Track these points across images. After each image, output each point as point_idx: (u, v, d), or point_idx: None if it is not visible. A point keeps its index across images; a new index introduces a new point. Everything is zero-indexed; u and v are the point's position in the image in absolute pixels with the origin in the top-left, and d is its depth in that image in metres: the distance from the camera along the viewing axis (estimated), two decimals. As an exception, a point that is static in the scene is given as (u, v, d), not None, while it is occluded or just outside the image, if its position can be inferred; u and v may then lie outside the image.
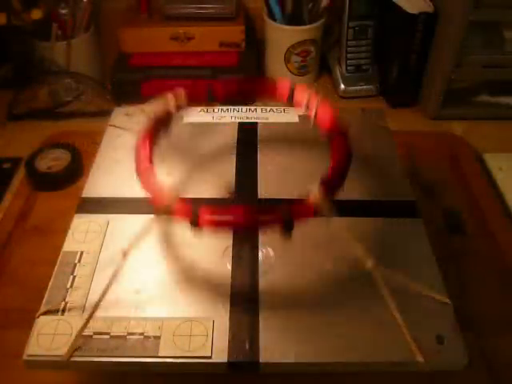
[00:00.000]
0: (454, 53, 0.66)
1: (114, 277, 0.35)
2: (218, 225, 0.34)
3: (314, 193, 0.34)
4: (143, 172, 0.37)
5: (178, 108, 0.42)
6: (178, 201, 0.34)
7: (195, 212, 0.33)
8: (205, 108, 0.54)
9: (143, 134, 0.40)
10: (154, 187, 0.35)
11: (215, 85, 0.44)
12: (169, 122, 0.42)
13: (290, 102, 0.43)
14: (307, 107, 0.42)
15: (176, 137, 0.44)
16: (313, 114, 0.41)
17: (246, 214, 0.34)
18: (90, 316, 0.34)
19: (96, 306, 0.34)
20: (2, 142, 0.67)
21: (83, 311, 0.36)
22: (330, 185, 0.35)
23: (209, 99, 0.44)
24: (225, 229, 0.37)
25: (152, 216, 0.35)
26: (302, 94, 0.42)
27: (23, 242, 0.53)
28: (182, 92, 0.42)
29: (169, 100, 0.42)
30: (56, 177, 0.58)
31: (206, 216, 0.33)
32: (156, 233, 0.42)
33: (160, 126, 0.41)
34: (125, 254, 0.35)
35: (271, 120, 0.52)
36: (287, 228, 0.33)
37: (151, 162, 0.38)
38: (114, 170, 0.47)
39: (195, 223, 0.33)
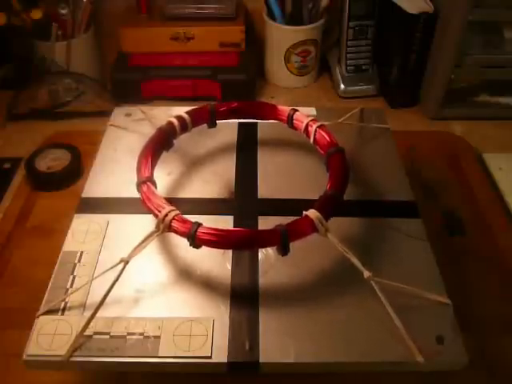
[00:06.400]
0: (453, 53, 0.66)
1: (115, 282, 0.35)
2: (215, 246, 0.35)
3: (311, 216, 0.35)
4: (144, 190, 0.38)
5: (183, 131, 0.45)
6: (177, 220, 0.35)
7: (193, 233, 0.34)
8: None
9: (145, 150, 0.41)
10: (154, 205, 0.36)
11: (218, 110, 0.46)
12: (171, 140, 0.44)
13: (290, 126, 0.45)
14: (306, 131, 0.44)
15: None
16: (312, 137, 0.43)
17: (243, 236, 0.36)
18: (92, 317, 0.34)
19: (97, 309, 0.34)
20: (1, 142, 0.67)
21: (83, 311, 0.36)
22: (327, 209, 0.36)
23: (211, 125, 0.47)
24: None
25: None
26: (301, 119, 0.44)
27: (23, 242, 0.53)
28: (186, 116, 0.44)
29: (174, 123, 0.44)
30: (56, 177, 0.58)
31: (203, 236, 0.34)
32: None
33: (163, 143, 0.43)
34: (125, 263, 0.35)
35: (271, 120, 0.52)
36: (283, 250, 0.35)
37: (152, 180, 0.39)
38: (114, 170, 0.47)
39: (193, 243, 0.35)
